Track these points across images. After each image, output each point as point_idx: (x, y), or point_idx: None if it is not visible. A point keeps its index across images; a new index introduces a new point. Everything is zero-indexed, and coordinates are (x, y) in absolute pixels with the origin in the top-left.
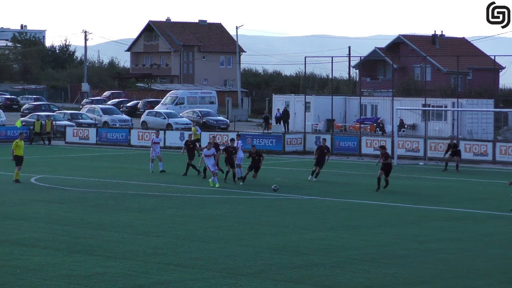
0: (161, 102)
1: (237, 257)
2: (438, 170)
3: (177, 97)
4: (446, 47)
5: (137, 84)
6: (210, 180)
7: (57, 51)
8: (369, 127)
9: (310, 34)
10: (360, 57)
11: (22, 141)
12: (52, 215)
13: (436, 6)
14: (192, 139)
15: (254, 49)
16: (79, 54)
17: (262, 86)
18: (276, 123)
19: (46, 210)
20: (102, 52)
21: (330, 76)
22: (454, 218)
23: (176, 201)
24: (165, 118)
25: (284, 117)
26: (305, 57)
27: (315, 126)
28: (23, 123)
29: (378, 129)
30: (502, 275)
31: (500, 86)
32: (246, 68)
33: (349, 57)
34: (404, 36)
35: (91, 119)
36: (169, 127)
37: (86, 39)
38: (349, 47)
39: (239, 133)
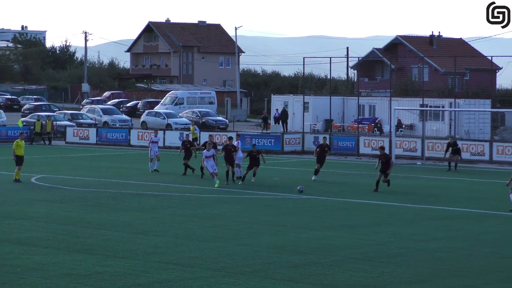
0: (161, 102)
1: (235, 256)
2: (436, 169)
3: (177, 97)
4: (443, 48)
5: (137, 85)
6: (215, 182)
7: (58, 51)
8: (367, 127)
9: (309, 34)
10: (358, 57)
11: (23, 141)
12: (52, 214)
13: (434, 7)
14: (191, 138)
15: (253, 49)
16: (79, 55)
17: (261, 87)
18: (275, 123)
19: (46, 210)
20: (102, 53)
21: (329, 77)
22: (450, 217)
23: (175, 201)
24: (164, 118)
25: (282, 117)
26: (304, 58)
27: (313, 126)
28: (24, 123)
29: (376, 129)
30: (497, 273)
31: (497, 86)
32: (245, 69)
33: (347, 57)
34: (402, 36)
35: (91, 119)
36: (168, 127)
37: (86, 40)
38: (347, 48)
39: (238, 133)
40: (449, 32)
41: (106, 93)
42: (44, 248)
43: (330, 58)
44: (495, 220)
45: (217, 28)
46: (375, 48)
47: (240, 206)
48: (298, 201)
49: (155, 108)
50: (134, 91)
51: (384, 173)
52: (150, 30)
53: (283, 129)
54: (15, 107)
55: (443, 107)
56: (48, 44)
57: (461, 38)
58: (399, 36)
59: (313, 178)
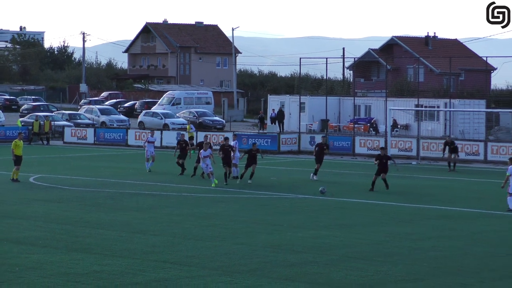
0: (158, 102)
1: (232, 255)
2: (431, 169)
3: (174, 97)
4: (438, 49)
5: (135, 85)
6: (213, 181)
7: (56, 52)
8: (362, 127)
9: (305, 35)
10: (354, 58)
11: (21, 141)
12: (50, 214)
13: (429, 8)
14: (187, 137)
15: (250, 50)
16: (77, 56)
17: (258, 87)
18: (271, 123)
19: (44, 209)
20: (100, 54)
21: (325, 77)
22: (445, 217)
23: (172, 200)
24: (162, 119)
25: (279, 117)
26: (300, 58)
27: (309, 126)
28: (22, 123)
29: (371, 129)
30: (492, 272)
31: (492, 86)
32: (242, 69)
33: (343, 58)
34: (398, 37)
35: (89, 119)
36: (165, 127)
37: (84, 41)
38: (343, 48)
39: (235, 133)
40: (444, 33)
41: (104, 94)
42: (43, 247)
43: (326, 58)
44: (490, 220)
45: (214, 29)
46: (371, 49)
47: (236, 205)
48: (294, 201)
49: (152, 108)
50: (131, 91)
51: (383, 173)
52: (148, 31)
53: (280, 129)
54: (13, 107)
55: (438, 107)
56: (46, 44)
57: (456, 39)
58: (395, 37)
59: (314, 178)
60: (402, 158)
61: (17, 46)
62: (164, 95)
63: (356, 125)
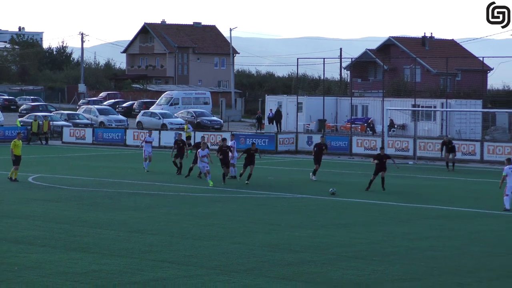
0: (156, 102)
1: (230, 255)
2: (427, 169)
3: (172, 97)
4: (435, 49)
5: (133, 85)
6: (209, 181)
7: (55, 52)
8: (359, 127)
9: (303, 36)
10: (351, 58)
11: (20, 140)
12: (49, 213)
13: (426, 9)
14: (184, 137)
15: (248, 50)
16: (76, 56)
17: (255, 87)
18: (269, 123)
19: (43, 209)
20: (99, 54)
21: (322, 77)
22: (442, 216)
23: (170, 200)
24: (160, 119)
25: (276, 117)
26: (298, 59)
27: (307, 126)
28: (21, 123)
29: (368, 129)
30: (489, 272)
31: (488, 87)
32: (240, 69)
33: (341, 58)
34: (395, 38)
35: (88, 119)
36: (164, 127)
37: (82, 41)
38: (341, 49)
39: (233, 133)
40: (441, 33)
41: (102, 94)
42: (41, 247)
43: (324, 59)
44: (487, 219)
45: (212, 29)
46: (368, 49)
47: (234, 205)
48: (292, 200)
49: (150, 109)
50: (130, 91)
51: (383, 170)
52: (146, 31)
53: (277, 129)
54: (12, 107)
55: (435, 107)
56: (45, 45)
57: (453, 39)
58: (392, 37)
59: (313, 178)
60: (399, 158)
61: (16, 47)
62: (162, 95)
63: (353, 125)
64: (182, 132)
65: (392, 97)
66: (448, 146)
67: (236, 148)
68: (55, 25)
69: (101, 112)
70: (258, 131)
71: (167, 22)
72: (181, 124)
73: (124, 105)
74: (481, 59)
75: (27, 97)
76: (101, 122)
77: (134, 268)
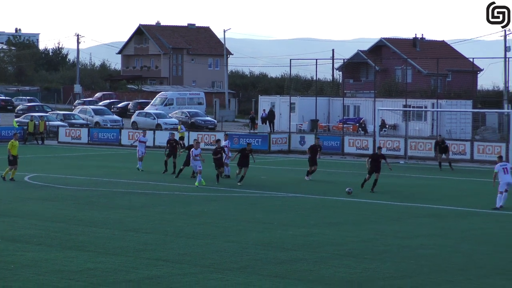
0: (151, 103)
1: (223, 253)
2: (418, 168)
3: (166, 98)
4: (426, 50)
5: (128, 86)
6: (201, 180)
7: (51, 53)
8: (351, 127)
9: (296, 37)
10: (344, 59)
11: (17, 141)
12: (45, 212)
13: (417, 10)
14: (177, 137)
15: (241, 51)
16: (71, 57)
17: (249, 88)
18: (262, 123)
19: (39, 208)
20: (94, 55)
21: (315, 78)
22: (433, 215)
23: (164, 199)
24: (154, 119)
25: (269, 117)
26: (290, 60)
27: (299, 126)
28: (18, 124)
29: (360, 129)
30: (479, 269)
31: (478, 87)
32: (233, 70)
33: (333, 59)
34: (386, 39)
35: (83, 119)
36: (158, 127)
37: (78, 42)
38: (333, 50)
39: (226, 133)
40: (432, 34)
41: (98, 94)
42: (37, 245)
43: (316, 60)
44: (476, 218)
45: (206, 31)
46: (360, 50)
47: (227, 204)
48: (284, 199)
49: (145, 109)
50: (125, 92)
51: (377, 172)
52: (141, 32)
53: (270, 129)
54: (8, 107)
55: (425, 107)
56: (41, 46)
57: (443, 40)
58: (383, 38)
59: (306, 178)
60: (390, 158)
61: (13, 48)
62: (156, 96)
63: (345, 125)
64: (175, 132)
65: (384, 98)
66: (441, 146)
67: (230, 147)
68: (51, 26)
69: (97, 112)
70: (251, 131)
71: (161, 24)
72: (175, 124)
73: (119, 105)
74: (471, 60)
75: (24, 97)
76: (97, 122)
77: (128, 266)
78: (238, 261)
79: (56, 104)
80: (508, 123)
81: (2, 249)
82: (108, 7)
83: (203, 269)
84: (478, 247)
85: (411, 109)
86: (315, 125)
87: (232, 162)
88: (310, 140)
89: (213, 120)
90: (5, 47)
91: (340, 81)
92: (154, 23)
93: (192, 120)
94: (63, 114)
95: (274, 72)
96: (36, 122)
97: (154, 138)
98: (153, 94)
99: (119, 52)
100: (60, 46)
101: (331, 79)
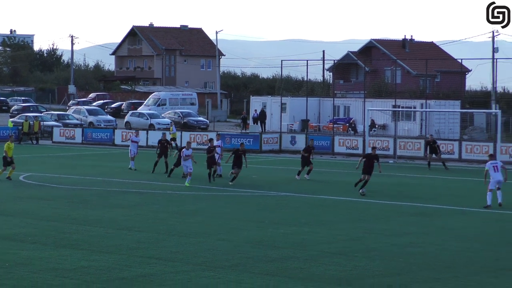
0: (144, 103)
1: (215, 251)
2: (407, 167)
3: (159, 98)
4: (415, 51)
5: (121, 86)
6: (187, 182)
7: (45, 55)
8: (341, 127)
9: (287, 38)
10: (334, 60)
11: (13, 143)
12: (39, 211)
13: (407, 12)
14: (169, 137)
15: (233, 53)
16: (66, 58)
17: (241, 88)
18: (254, 123)
19: (34, 207)
20: (88, 56)
21: (305, 79)
22: (422, 214)
23: (158, 198)
24: (147, 119)
25: (261, 117)
26: (282, 61)
27: (290, 126)
28: (13, 124)
29: (350, 129)
30: (466, 267)
31: (466, 88)
32: (225, 71)
33: (323, 60)
34: (376, 40)
35: (77, 119)
36: (151, 127)
37: (72, 43)
38: (323, 51)
39: (218, 132)
40: (421, 35)
41: (92, 95)
42: (32, 244)
43: (307, 61)
44: (464, 216)
45: (199, 32)
46: (350, 51)
47: (219, 203)
48: (276, 198)
49: (138, 109)
50: (118, 92)
51: (369, 173)
52: (134, 34)
53: (261, 129)
54: (3, 108)
55: (414, 107)
56: (36, 47)
57: (432, 41)
58: (373, 39)
59: (299, 178)
60: (379, 157)
61: (8, 49)
62: (150, 96)
63: (335, 125)
64: (166, 132)
65: (373, 98)
66: (432, 145)
67: (222, 147)
68: (45, 28)
69: (90, 112)
70: (243, 131)
71: (155, 25)
72: (168, 124)
73: (112, 105)
74: (459, 61)
75: (18, 98)
76: (90, 122)
77: (122, 264)
78: (230, 259)
79: (51, 105)
80: (496, 123)
81: None
82: (102, 8)
83: (195, 267)
84: (465, 245)
85: (400, 109)
86: (305, 125)
87: (227, 163)
88: (301, 139)
89: (206, 120)
90: (0, 48)
91: (331, 81)
92: (147, 25)
93: (184, 120)
94: (58, 114)
95: (265, 73)
96: (30, 122)
97: (147, 138)
98: (146, 94)
99: (113, 53)
100: (55, 47)
101: (321, 79)
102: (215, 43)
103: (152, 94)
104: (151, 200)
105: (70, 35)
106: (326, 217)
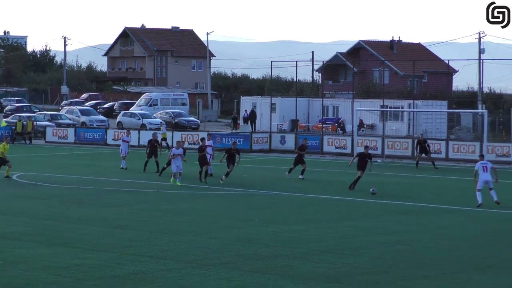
0: (136, 103)
1: (206, 249)
2: (395, 166)
3: (151, 99)
4: (403, 52)
5: (114, 87)
6: (172, 178)
7: (38, 55)
8: (330, 127)
9: (276, 39)
10: (323, 61)
11: (8, 144)
12: (33, 210)
13: (394, 13)
14: (159, 137)
15: (224, 54)
16: (58, 59)
17: (231, 89)
18: (244, 123)
19: (28, 206)
20: (81, 57)
21: (295, 79)
22: (410, 212)
23: (150, 197)
24: (139, 119)
25: (251, 117)
26: (271, 62)
27: (280, 126)
28: (6, 124)
29: (339, 128)
30: (454, 264)
31: (453, 88)
32: (216, 72)
33: (313, 61)
34: (364, 41)
35: (70, 119)
36: (143, 127)
37: (65, 45)
38: (313, 52)
39: (209, 132)
40: (408, 37)
41: (84, 95)
42: (26, 242)
43: (296, 61)
44: (451, 214)
45: (190, 34)
46: (339, 52)
47: (211, 201)
48: (266, 197)
49: (130, 109)
50: (110, 93)
51: (363, 170)
52: (126, 35)
53: (252, 129)
54: None
55: (402, 108)
56: (29, 48)
57: (419, 43)
58: (362, 41)
59: (287, 175)
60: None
61: (1, 50)
62: (141, 97)
63: (324, 125)
64: (157, 132)
65: (362, 98)
66: (423, 145)
67: (213, 147)
68: (39, 29)
69: (83, 112)
70: (233, 130)
71: (146, 27)
72: (159, 124)
73: (105, 106)
74: (446, 62)
75: (12, 98)
76: (83, 122)
77: (114, 262)
78: (221, 257)
79: (44, 105)
80: (482, 123)
81: None
82: (95, 10)
83: (186, 264)
84: (453, 243)
85: (388, 109)
86: (295, 125)
87: (221, 163)
88: (290, 139)
89: (196, 120)
90: None
91: (320, 82)
92: (139, 26)
93: (176, 120)
94: (51, 115)
95: (255, 74)
96: (24, 122)
97: (139, 138)
98: (138, 95)
99: (105, 54)
100: (48, 48)
101: (311, 80)
102: (206, 44)
103: (144, 95)
104: (143, 199)
105: (63, 36)
106: (316, 216)
